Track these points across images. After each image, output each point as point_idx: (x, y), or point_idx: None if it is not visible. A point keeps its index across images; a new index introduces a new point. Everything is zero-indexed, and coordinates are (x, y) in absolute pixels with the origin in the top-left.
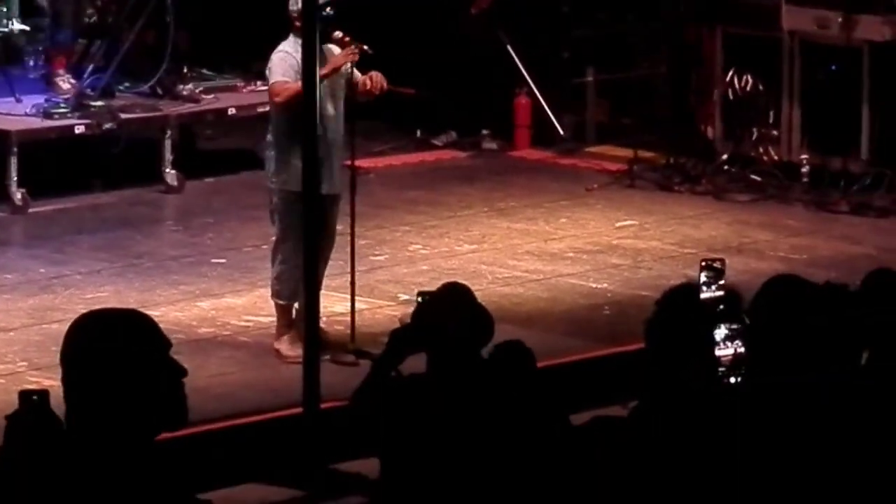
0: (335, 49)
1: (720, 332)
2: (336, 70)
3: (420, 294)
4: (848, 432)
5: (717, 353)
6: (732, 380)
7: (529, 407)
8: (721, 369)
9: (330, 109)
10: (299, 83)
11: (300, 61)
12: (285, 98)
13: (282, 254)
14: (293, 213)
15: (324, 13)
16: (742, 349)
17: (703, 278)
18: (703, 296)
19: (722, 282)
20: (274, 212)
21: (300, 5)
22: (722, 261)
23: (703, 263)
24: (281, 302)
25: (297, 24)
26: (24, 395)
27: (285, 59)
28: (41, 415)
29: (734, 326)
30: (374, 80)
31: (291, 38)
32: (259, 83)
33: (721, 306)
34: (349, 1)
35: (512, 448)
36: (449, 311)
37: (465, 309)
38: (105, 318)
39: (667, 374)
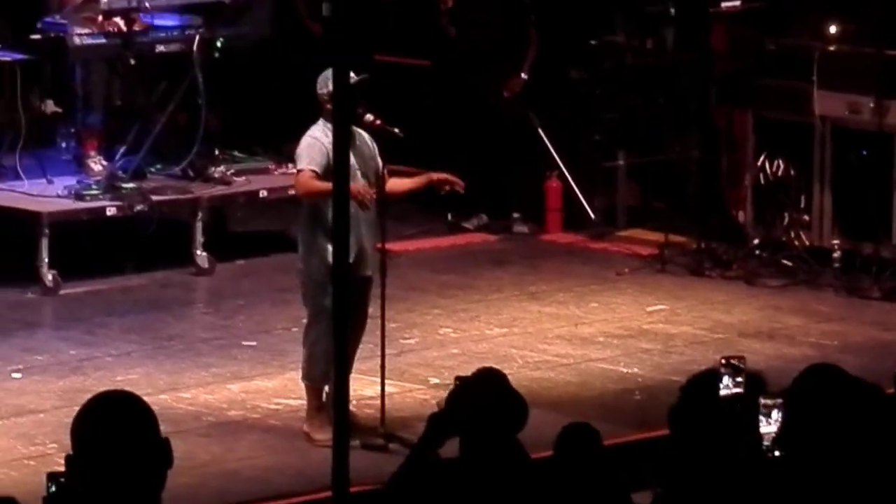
0: (364, 134)
1: (764, 409)
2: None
3: (456, 378)
4: None
5: (762, 429)
6: (776, 453)
7: (599, 488)
8: (765, 444)
9: None
10: (328, 183)
11: (330, 148)
12: (307, 192)
13: (313, 336)
14: (324, 296)
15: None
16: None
17: (722, 376)
18: (721, 393)
19: (741, 379)
20: (306, 295)
21: (330, 88)
22: (742, 358)
23: (723, 361)
24: (311, 384)
25: (328, 106)
26: (52, 477)
27: (313, 144)
28: (68, 497)
29: (778, 401)
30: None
31: (321, 122)
32: (290, 165)
33: (739, 404)
34: (379, 84)
35: None
36: (483, 396)
37: (499, 394)
38: (103, 401)
39: (689, 461)
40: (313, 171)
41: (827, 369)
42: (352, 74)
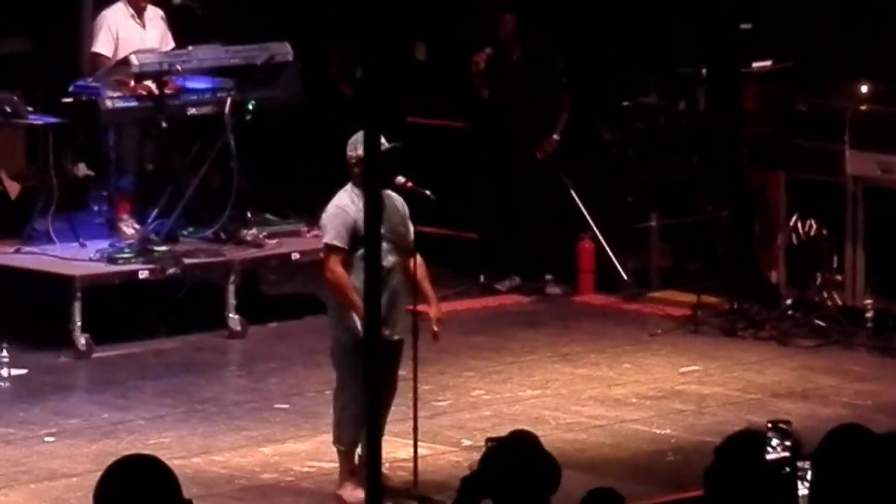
0: (395, 197)
1: (800, 471)
2: None
3: (488, 440)
4: None
5: (800, 492)
6: None
7: None
8: None
9: (390, 259)
10: (355, 298)
11: (356, 216)
12: (333, 284)
13: (342, 400)
14: (352, 360)
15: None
16: None
17: (770, 440)
18: (769, 457)
19: (788, 443)
20: (334, 358)
21: (360, 151)
22: (788, 422)
23: (770, 424)
24: (342, 448)
25: (356, 170)
26: None
27: (339, 215)
28: None
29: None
30: (440, 322)
31: (349, 186)
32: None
33: (787, 468)
34: (412, 146)
35: None
36: (515, 459)
37: (531, 456)
38: (124, 466)
39: None
40: (339, 249)
41: (852, 429)
42: (383, 141)
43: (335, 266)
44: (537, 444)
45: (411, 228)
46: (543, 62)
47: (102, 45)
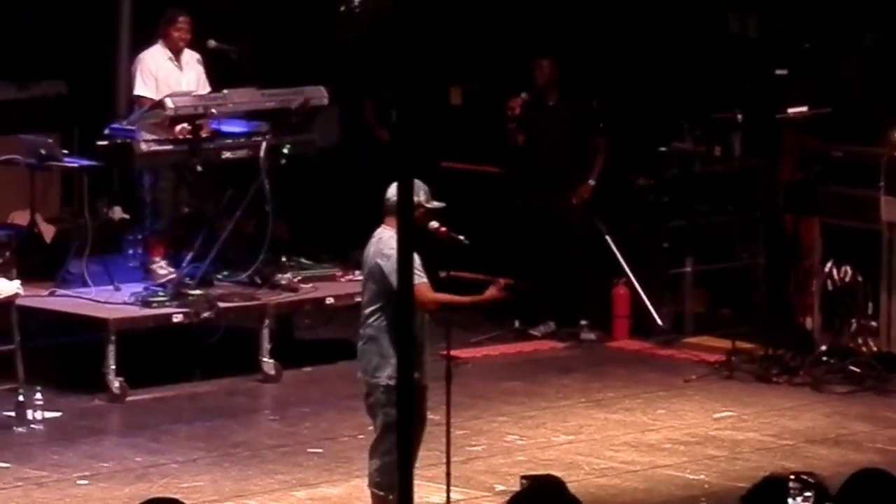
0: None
1: None
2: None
3: (522, 478)
4: None
5: None
6: None
7: None
8: None
9: None
10: (459, 297)
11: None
12: (435, 301)
13: (386, 445)
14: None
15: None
16: None
17: (791, 490)
18: None
19: (809, 493)
20: (377, 405)
21: (418, 197)
22: (811, 474)
23: (792, 476)
24: (380, 493)
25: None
26: None
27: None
28: None
29: None
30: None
31: (392, 231)
32: (357, 272)
33: None
34: (446, 191)
35: None
36: None
37: (556, 502)
38: None
39: None
40: (424, 281)
41: (874, 474)
42: (427, 191)
43: (431, 294)
44: (563, 490)
45: None
46: (579, 107)
47: (144, 88)
